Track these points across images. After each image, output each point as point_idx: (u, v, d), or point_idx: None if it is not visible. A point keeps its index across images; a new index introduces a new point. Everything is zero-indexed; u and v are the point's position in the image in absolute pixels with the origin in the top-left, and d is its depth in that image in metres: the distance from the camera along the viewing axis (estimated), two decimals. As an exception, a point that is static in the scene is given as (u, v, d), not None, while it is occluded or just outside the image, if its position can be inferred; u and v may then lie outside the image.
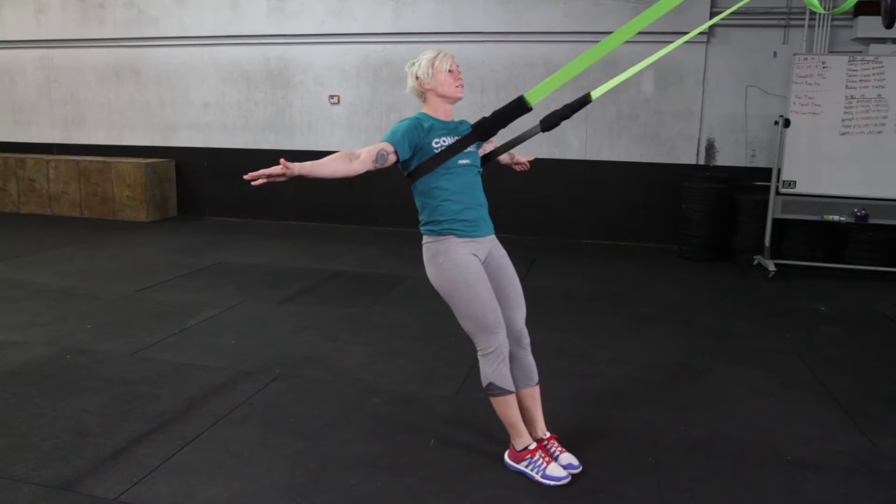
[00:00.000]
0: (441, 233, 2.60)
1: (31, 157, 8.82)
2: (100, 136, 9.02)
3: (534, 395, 2.75)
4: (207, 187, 8.74)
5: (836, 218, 5.99)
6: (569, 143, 7.45)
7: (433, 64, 2.59)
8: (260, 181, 2.30)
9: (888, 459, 2.84)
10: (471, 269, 2.57)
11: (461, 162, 2.61)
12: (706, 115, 7.14)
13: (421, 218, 2.67)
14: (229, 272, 5.90)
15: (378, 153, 2.45)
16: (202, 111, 8.59)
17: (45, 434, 2.91)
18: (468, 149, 2.62)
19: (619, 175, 7.39)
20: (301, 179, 2.42)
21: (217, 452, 2.79)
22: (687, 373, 3.78)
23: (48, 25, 8.88)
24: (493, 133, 2.58)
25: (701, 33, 6.86)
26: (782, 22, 6.75)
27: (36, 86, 9.20)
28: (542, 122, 2.66)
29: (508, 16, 7.39)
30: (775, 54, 6.85)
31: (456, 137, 2.59)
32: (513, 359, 2.69)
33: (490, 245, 2.70)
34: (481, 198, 2.69)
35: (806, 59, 5.95)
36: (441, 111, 2.64)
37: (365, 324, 4.53)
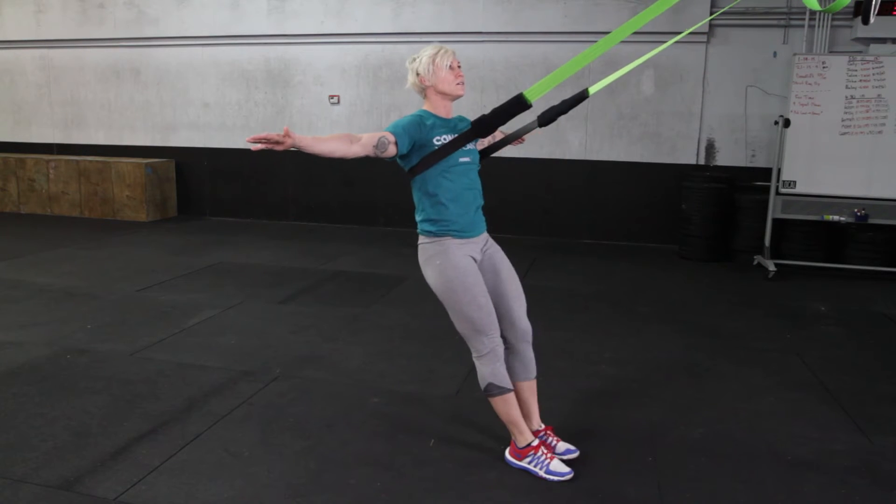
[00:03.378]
0: (438, 234, 2.60)
1: (31, 157, 8.82)
2: (100, 136, 9.02)
3: (532, 388, 2.79)
4: (207, 187, 8.75)
5: (835, 218, 5.99)
6: (569, 142, 7.45)
7: (434, 60, 2.57)
8: (260, 146, 2.31)
9: (888, 459, 2.84)
10: (468, 271, 2.57)
11: (462, 160, 2.61)
12: (706, 115, 7.14)
13: (417, 216, 2.67)
14: (229, 272, 5.90)
15: (380, 140, 2.44)
16: (202, 111, 8.59)
17: (44, 434, 2.91)
18: (468, 146, 2.62)
19: (619, 175, 7.39)
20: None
21: (217, 452, 2.79)
22: (687, 373, 3.78)
23: (48, 25, 8.88)
24: (493, 130, 2.58)
25: (701, 33, 6.87)
26: (782, 22, 6.75)
27: (36, 86, 9.20)
28: (539, 117, 2.66)
29: (508, 16, 7.39)
30: (775, 54, 6.85)
31: (455, 135, 2.58)
32: (514, 352, 2.70)
33: (483, 242, 2.71)
34: (478, 198, 2.69)
35: (806, 59, 5.96)
36: (441, 108, 2.63)
37: (365, 324, 4.53)
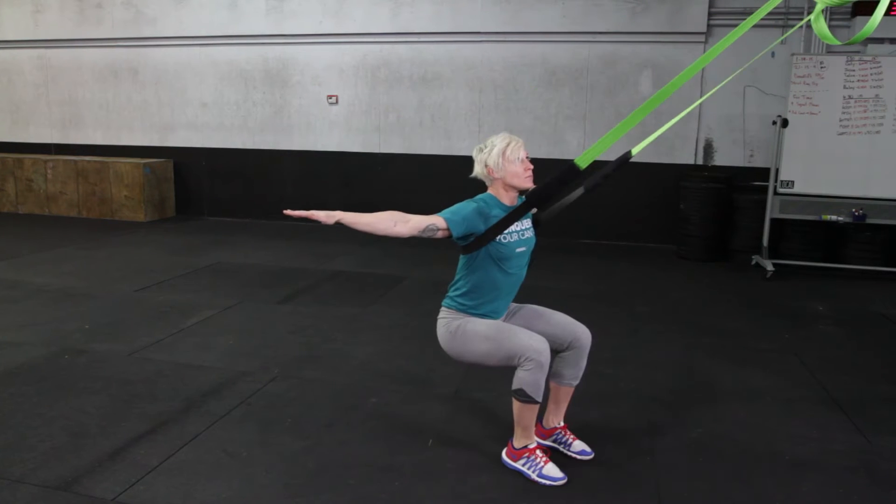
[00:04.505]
0: (464, 312, 2.64)
1: (28, 157, 8.81)
2: (98, 136, 9.01)
3: (570, 393, 2.82)
4: (206, 187, 8.74)
5: (833, 218, 6.00)
6: (567, 142, 7.45)
7: (504, 154, 2.57)
8: (298, 216, 2.40)
9: (886, 459, 2.84)
10: (484, 324, 2.59)
11: (518, 250, 2.62)
12: (704, 115, 7.15)
13: (453, 289, 2.69)
14: (227, 272, 5.90)
15: (428, 227, 2.47)
16: (200, 111, 8.58)
17: (43, 434, 2.91)
18: (525, 234, 2.64)
19: (618, 175, 7.36)
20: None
21: (215, 453, 2.79)
22: (685, 373, 3.79)
23: (46, 25, 8.86)
24: (547, 201, 2.59)
25: (699, 33, 6.87)
26: (780, 22, 6.75)
27: (34, 86, 9.19)
28: (585, 184, 2.69)
29: (507, 16, 7.39)
30: (773, 54, 6.85)
31: (518, 221, 2.59)
32: (573, 355, 2.70)
33: (505, 316, 2.75)
34: (517, 288, 2.72)
35: (804, 59, 5.96)
36: (505, 198, 2.63)
37: (363, 324, 4.53)
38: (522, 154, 2.60)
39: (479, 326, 2.59)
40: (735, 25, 7.09)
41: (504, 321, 2.72)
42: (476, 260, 2.60)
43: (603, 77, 7.25)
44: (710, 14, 6.82)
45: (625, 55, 7.14)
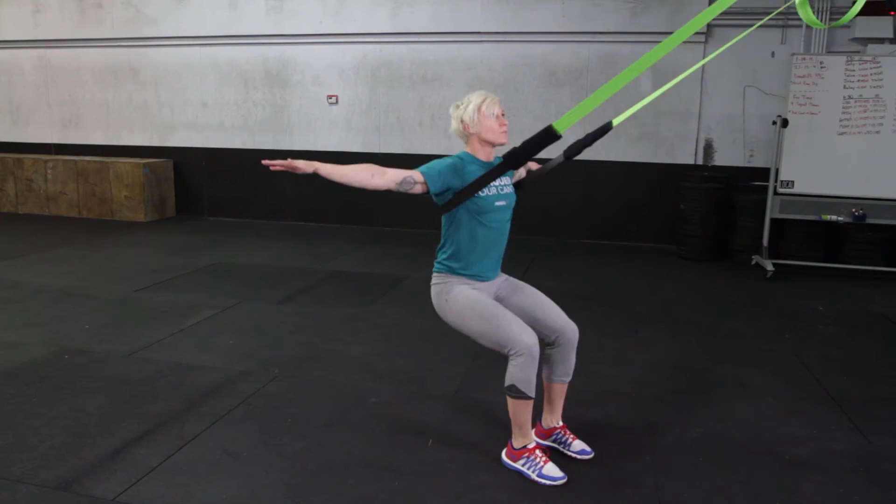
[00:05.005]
0: (452, 273, 2.66)
1: (28, 157, 8.81)
2: (98, 136, 9.01)
3: (563, 390, 2.82)
4: (206, 187, 8.74)
5: (833, 218, 6.00)
6: (567, 142, 7.43)
7: (479, 109, 2.61)
8: (277, 167, 2.38)
9: (886, 459, 2.84)
10: (478, 299, 2.60)
11: (497, 203, 2.64)
12: (704, 115, 7.15)
13: (440, 252, 2.71)
14: (227, 272, 5.90)
15: (405, 178, 2.50)
16: (200, 111, 8.58)
17: (42, 434, 2.91)
18: (505, 189, 2.67)
19: (618, 175, 7.39)
20: (309, 177, 2.47)
21: (215, 452, 2.79)
22: (685, 373, 3.79)
23: (46, 25, 8.86)
24: (524, 162, 2.62)
25: (699, 33, 6.87)
26: (780, 22, 6.75)
27: (34, 86, 9.19)
28: (565, 151, 2.72)
29: (507, 16, 7.39)
30: (773, 54, 6.85)
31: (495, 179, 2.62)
32: (563, 353, 2.71)
33: (497, 286, 2.76)
34: (503, 247, 2.74)
35: (804, 59, 5.96)
36: (482, 153, 2.67)
37: (363, 324, 4.53)
38: (497, 110, 2.64)
39: (473, 301, 2.59)
40: (735, 26, 7.14)
41: (497, 293, 2.72)
42: (456, 217, 2.63)
43: (603, 77, 7.24)
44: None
45: (625, 55, 7.13)
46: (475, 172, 2.59)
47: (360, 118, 8.03)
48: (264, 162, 2.40)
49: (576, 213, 7.59)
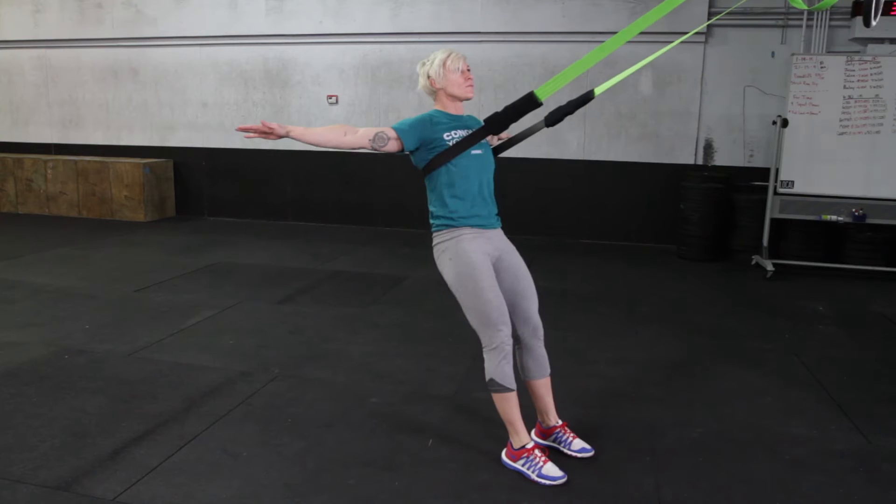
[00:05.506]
0: (450, 226, 2.64)
1: (29, 157, 8.81)
2: (98, 136, 9.01)
3: (547, 386, 2.81)
4: (206, 187, 8.74)
5: (833, 218, 5.99)
6: (567, 142, 7.45)
7: (445, 64, 2.65)
8: (251, 135, 2.38)
9: (886, 459, 2.84)
10: (480, 267, 2.59)
11: (474, 152, 2.65)
12: (704, 114, 7.15)
13: (431, 210, 2.71)
14: (227, 272, 5.90)
15: (377, 134, 2.52)
16: (200, 111, 8.58)
17: (42, 434, 2.91)
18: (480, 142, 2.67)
19: (618, 175, 7.39)
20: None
21: (215, 453, 2.79)
22: (685, 372, 3.79)
23: (46, 25, 8.86)
24: (505, 127, 2.63)
25: (699, 33, 6.87)
26: (780, 22, 6.75)
27: (34, 86, 9.19)
28: (546, 117, 2.70)
29: (506, 16, 7.39)
30: (773, 54, 6.85)
31: (468, 130, 2.63)
32: (527, 349, 2.73)
33: (498, 239, 2.74)
34: (491, 192, 2.73)
35: (804, 59, 5.96)
36: (451, 108, 2.71)
37: (363, 324, 4.53)
38: (462, 65, 2.68)
39: (474, 266, 2.56)
40: (735, 26, 7.12)
41: (498, 253, 2.68)
42: (437, 174, 2.63)
43: (602, 77, 7.23)
44: (710, 14, 6.81)
45: (624, 55, 7.11)
46: (448, 124, 2.62)
47: (360, 118, 8.03)
48: (238, 128, 2.38)
49: (576, 213, 7.58)
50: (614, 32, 2.50)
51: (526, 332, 2.71)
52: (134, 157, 8.66)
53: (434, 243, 2.71)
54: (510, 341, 2.59)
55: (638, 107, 7.27)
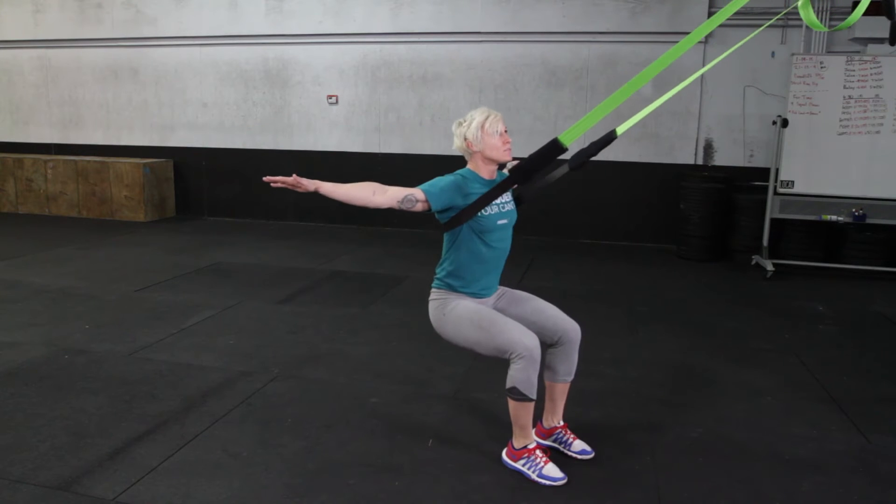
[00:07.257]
0: (452, 291, 2.66)
1: (29, 157, 8.81)
2: (98, 136, 9.01)
3: (565, 390, 2.81)
4: (206, 187, 8.74)
5: (833, 218, 5.99)
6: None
7: (483, 126, 2.59)
8: (278, 185, 2.41)
9: (886, 459, 2.84)
10: (475, 309, 2.60)
11: (500, 222, 2.63)
12: (704, 115, 7.15)
13: (440, 269, 2.71)
14: (227, 272, 5.90)
15: (406, 196, 2.49)
16: (200, 111, 8.58)
17: (42, 434, 2.91)
18: (506, 206, 2.65)
19: (618, 175, 7.39)
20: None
21: (215, 453, 2.79)
22: (685, 373, 3.79)
23: (46, 25, 8.86)
24: (530, 176, 2.60)
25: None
26: (780, 22, 6.75)
27: (34, 86, 9.19)
28: (569, 161, 2.65)
29: (507, 16, 7.39)
30: (773, 54, 6.85)
31: (501, 207, 2.63)
32: (564, 352, 2.71)
33: (495, 299, 2.76)
34: (503, 264, 2.73)
35: (804, 59, 5.96)
36: (485, 171, 2.65)
37: (363, 324, 4.53)
38: (501, 127, 2.62)
39: (471, 311, 2.60)
40: (735, 25, 7.12)
41: (495, 305, 2.72)
42: (459, 236, 2.62)
43: (603, 77, 7.25)
44: (710, 14, 6.81)
45: (625, 55, 7.14)
46: (478, 191, 2.57)
47: (360, 118, 8.03)
48: (266, 179, 2.39)
49: (576, 213, 7.58)
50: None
51: (563, 336, 2.68)
52: (134, 157, 8.66)
53: (431, 298, 2.73)
54: (539, 348, 2.52)
55: (638, 107, 7.23)
